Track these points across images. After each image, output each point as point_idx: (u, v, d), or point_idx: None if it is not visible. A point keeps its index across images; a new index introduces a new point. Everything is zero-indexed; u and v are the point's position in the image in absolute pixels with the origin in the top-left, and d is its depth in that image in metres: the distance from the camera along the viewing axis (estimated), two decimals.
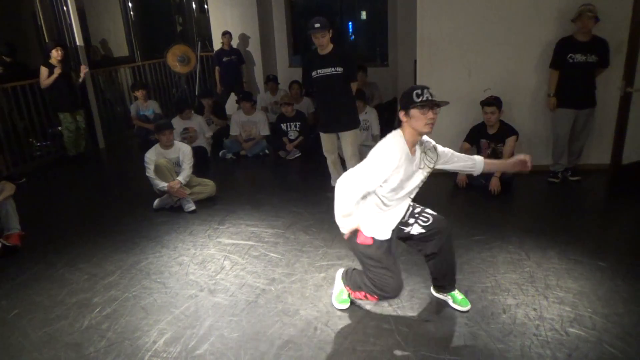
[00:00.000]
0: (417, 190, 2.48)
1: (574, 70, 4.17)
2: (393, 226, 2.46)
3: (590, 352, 2.29)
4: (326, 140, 4.35)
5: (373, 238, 2.40)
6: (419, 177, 2.41)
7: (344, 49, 4.07)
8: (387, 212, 2.43)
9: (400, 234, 2.56)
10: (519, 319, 2.56)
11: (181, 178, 4.32)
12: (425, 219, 2.51)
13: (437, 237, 2.50)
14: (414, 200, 2.55)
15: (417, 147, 2.37)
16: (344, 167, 4.49)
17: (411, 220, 2.52)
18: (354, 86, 4.14)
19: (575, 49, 4.12)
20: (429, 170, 2.43)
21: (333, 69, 4.01)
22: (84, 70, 6.12)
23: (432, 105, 2.22)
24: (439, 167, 2.49)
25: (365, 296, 2.55)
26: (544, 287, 2.83)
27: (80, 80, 6.06)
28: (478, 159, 2.56)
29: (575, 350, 2.31)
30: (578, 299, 2.70)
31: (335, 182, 4.35)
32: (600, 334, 2.42)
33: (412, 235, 2.53)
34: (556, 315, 2.57)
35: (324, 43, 3.96)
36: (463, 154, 2.57)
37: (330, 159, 4.45)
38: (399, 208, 2.46)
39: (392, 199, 2.39)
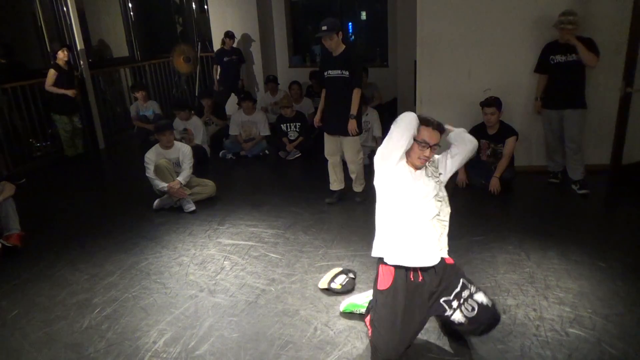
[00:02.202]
0: (435, 213, 2.31)
1: (556, 71, 4.17)
2: (416, 252, 2.27)
3: (590, 352, 2.29)
4: (328, 142, 4.24)
5: (393, 275, 2.26)
6: (429, 189, 2.31)
7: (351, 53, 3.94)
8: (409, 236, 2.28)
9: (438, 311, 2.31)
10: (519, 319, 2.56)
11: (181, 178, 4.32)
12: (470, 308, 2.24)
13: (477, 328, 2.27)
14: (468, 279, 2.32)
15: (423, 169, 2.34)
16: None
17: (454, 304, 2.26)
18: (357, 92, 3.91)
19: (556, 51, 4.12)
20: (437, 180, 2.34)
21: (340, 72, 3.92)
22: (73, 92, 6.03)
23: (430, 146, 2.25)
24: (449, 170, 2.38)
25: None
26: (544, 288, 2.83)
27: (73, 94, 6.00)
28: (465, 138, 2.40)
29: (575, 351, 2.31)
30: (578, 300, 2.70)
31: (334, 187, 4.40)
32: (600, 334, 2.41)
33: (452, 320, 2.29)
34: (556, 316, 2.57)
35: (331, 46, 3.87)
36: (454, 144, 2.41)
37: (331, 161, 4.31)
38: (423, 233, 2.29)
39: (410, 221, 2.28)
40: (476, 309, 2.23)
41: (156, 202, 4.39)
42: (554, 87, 4.24)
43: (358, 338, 2.48)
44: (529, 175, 4.67)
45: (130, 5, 8.45)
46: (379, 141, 5.31)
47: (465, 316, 2.24)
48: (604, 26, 4.26)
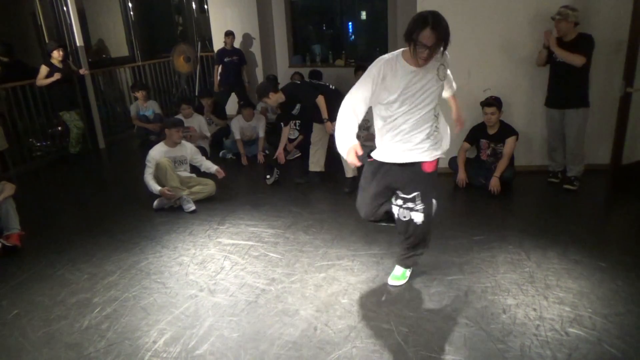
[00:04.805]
0: (430, 107, 2.46)
1: (557, 69, 4.18)
2: (403, 148, 2.53)
3: (590, 352, 2.29)
4: (316, 128, 4.73)
5: (373, 158, 2.60)
6: (428, 86, 2.42)
7: (293, 93, 4.62)
8: (398, 131, 2.53)
9: (387, 195, 2.70)
10: (519, 319, 2.56)
11: (210, 166, 4.71)
12: (403, 216, 2.66)
13: (404, 232, 2.71)
14: (424, 193, 2.60)
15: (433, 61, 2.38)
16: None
17: (399, 202, 2.65)
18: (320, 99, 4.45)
19: (560, 47, 4.11)
20: (437, 80, 2.44)
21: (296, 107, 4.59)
22: (83, 72, 6.16)
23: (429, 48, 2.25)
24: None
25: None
26: (544, 287, 2.83)
27: (81, 72, 6.05)
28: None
29: (575, 351, 2.31)
30: (578, 299, 2.71)
31: (313, 168, 4.81)
32: (600, 334, 2.42)
33: (388, 210, 2.71)
34: (556, 316, 2.57)
35: (273, 105, 4.64)
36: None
37: (315, 148, 4.79)
38: (413, 127, 2.49)
39: (401, 115, 2.49)
40: (409, 221, 2.62)
41: (156, 202, 4.39)
42: (556, 85, 4.23)
43: (358, 338, 2.48)
44: (529, 175, 4.67)
45: (130, 5, 8.45)
46: None
47: (398, 216, 2.65)
48: (604, 25, 4.26)
